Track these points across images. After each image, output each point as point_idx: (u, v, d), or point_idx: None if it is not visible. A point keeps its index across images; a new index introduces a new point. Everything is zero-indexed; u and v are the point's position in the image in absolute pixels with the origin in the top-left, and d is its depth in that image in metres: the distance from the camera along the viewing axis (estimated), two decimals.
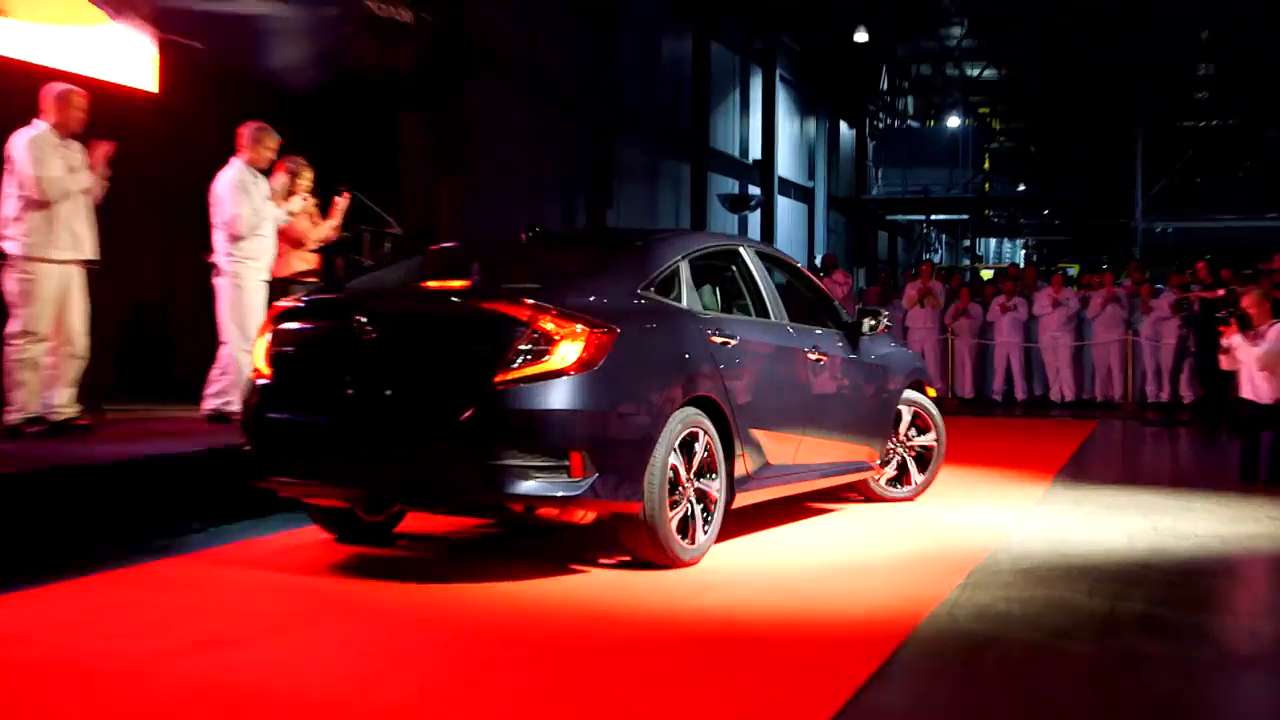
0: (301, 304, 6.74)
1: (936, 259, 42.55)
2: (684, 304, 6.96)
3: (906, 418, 9.07)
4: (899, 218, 41.78)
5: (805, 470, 7.84)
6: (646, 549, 6.43)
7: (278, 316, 6.69)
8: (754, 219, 28.42)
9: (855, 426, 8.37)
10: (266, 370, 6.58)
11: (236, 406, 9.12)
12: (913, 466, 9.13)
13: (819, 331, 8.23)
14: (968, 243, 44.83)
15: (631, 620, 5.48)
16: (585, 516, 6.25)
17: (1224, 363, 11.16)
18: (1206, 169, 39.85)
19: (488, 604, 5.79)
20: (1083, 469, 11.48)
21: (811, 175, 33.91)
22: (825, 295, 8.69)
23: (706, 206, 26.11)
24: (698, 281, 7.54)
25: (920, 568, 6.71)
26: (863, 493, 9.09)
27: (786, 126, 31.78)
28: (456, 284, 6.74)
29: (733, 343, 7.03)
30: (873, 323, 8.51)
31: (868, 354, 8.60)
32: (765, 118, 29.71)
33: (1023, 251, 52.94)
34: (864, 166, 38.53)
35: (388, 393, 6.14)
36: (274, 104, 11.10)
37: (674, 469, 6.43)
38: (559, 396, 5.94)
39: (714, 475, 6.77)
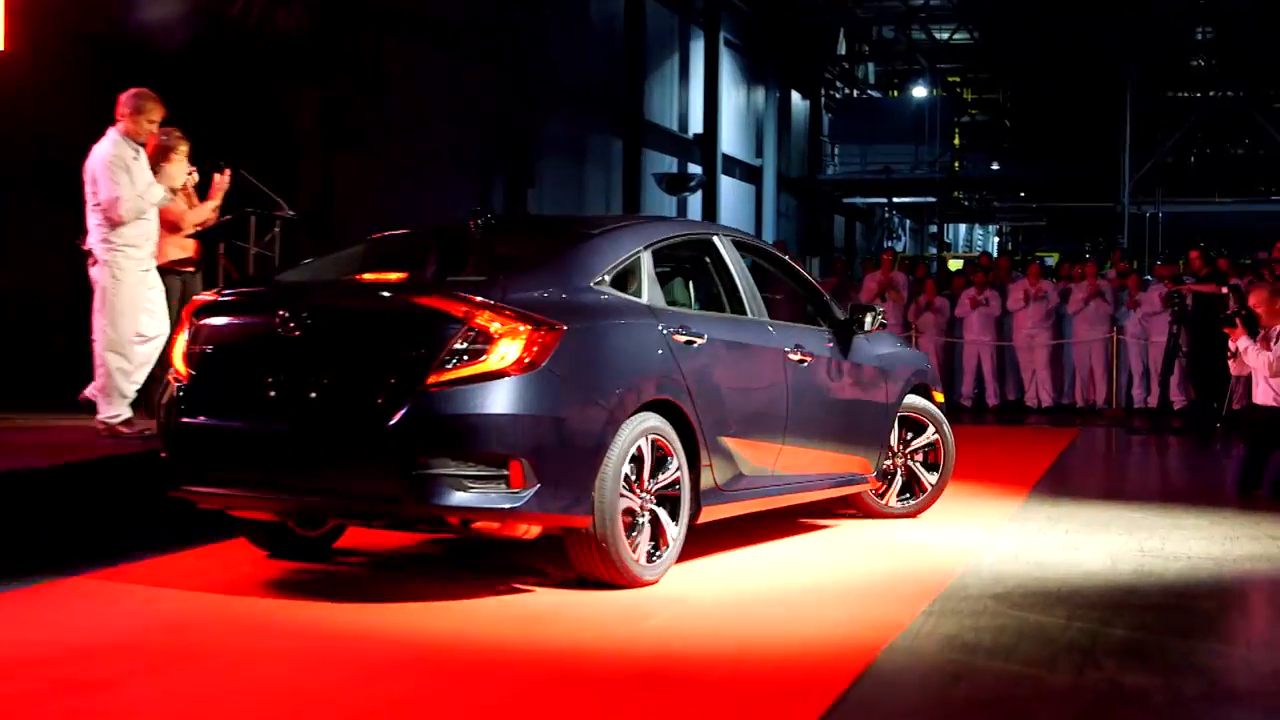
0: (222, 298, 6.83)
1: (899, 247, 42.86)
2: (644, 299, 7.03)
3: (908, 426, 9.18)
4: (857, 200, 42.05)
5: (786, 482, 7.92)
6: (597, 567, 6.51)
7: (197, 312, 6.78)
8: (694, 201, 28.50)
9: (845, 435, 8.44)
10: (184, 370, 6.70)
11: (118, 416, 9.11)
12: (915, 479, 9.23)
13: (803, 329, 8.31)
14: (934, 229, 45.19)
15: (556, 653, 5.49)
16: (528, 531, 6.34)
17: (1234, 368, 11.32)
18: (1202, 146, 40.36)
19: (406, 631, 5.81)
20: (1061, 482, 11.59)
21: (759, 152, 34.07)
22: (816, 290, 8.76)
23: (641, 187, 26.17)
24: (666, 275, 7.63)
25: (880, 593, 6.77)
26: (858, 507, 9.19)
27: (731, 97, 31.90)
28: (393, 276, 6.82)
29: (699, 342, 7.11)
30: (867, 320, 8.57)
31: (863, 354, 8.67)
32: (707, 87, 29.81)
33: (996, 239, 53.45)
34: (818, 143, 38.76)
35: (313, 395, 6.26)
36: (142, 67, 11.00)
37: (628, 480, 6.52)
38: (497, 400, 6.04)
39: (676, 487, 6.84)
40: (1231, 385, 16.59)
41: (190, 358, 6.70)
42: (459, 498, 6.02)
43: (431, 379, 6.04)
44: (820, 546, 8.14)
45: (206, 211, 10.25)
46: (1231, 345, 11.09)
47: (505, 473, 6.05)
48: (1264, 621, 6.84)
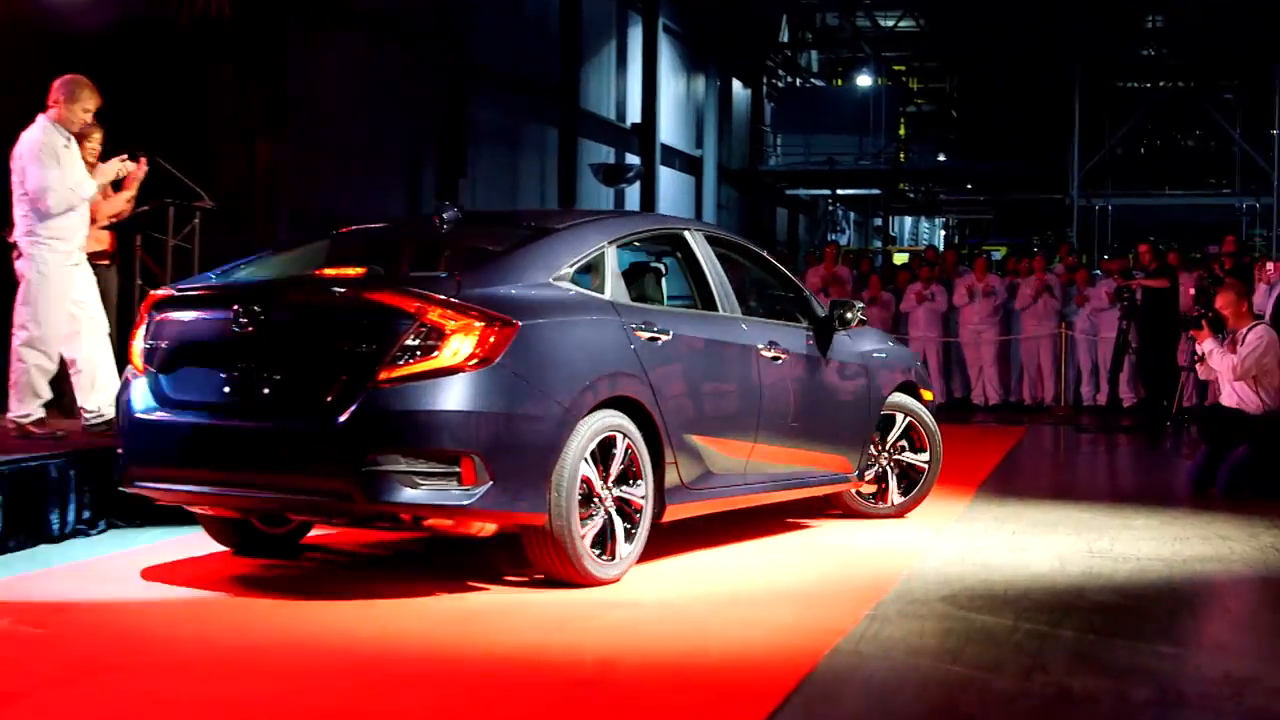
0: (179, 292, 7.04)
1: (843, 240, 43.02)
2: (606, 295, 7.17)
3: (895, 425, 9.25)
4: (800, 192, 42.15)
5: (760, 481, 8.04)
6: (555, 565, 6.65)
7: (154, 306, 7.01)
8: (632, 193, 28.47)
9: (824, 433, 8.54)
10: (140, 364, 6.94)
11: (29, 415, 9.06)
12: (900, 479, 9.33)
13: (779, 326, 8.42)
14: (879, 222, 45.38)
15: (490, 658, 5.46)
16: (483, 529, 6.52)
17: (1202, 372, 11.43)
18: (1152, 138, 40.75)
19: (342, 634, 5.83)
20: (1009, 482, 11.68)
21: (699, 143, 34.08)
22: (796, 286, 8.87)
23: (577, 177, 26.13)
24: (634, 271, 7.81)
25: (824, 596, 6.79)
26: (842, 507, 9.27)
27: (670, 85, 31.90)
28: (351, 272, 6.92)
29: (664, 339, 7.25)
30: (848, 315, 8.69)
31: (844, 351, 8.78)
32: (645, 75, 29.79)
33: (942, 232, 53.75)
34: (760, 133, 38.82)
35: (266, 391, 6.48)
36: (55, 51, 10.88)
37: (586, 478, 6.67)
38: (448, 396, 6.21)
39: (639, 484, 6.98)
40: (1181, 381, 16.77)
41: (146, 352, 6.92)
42: (410, 495, 6.19)
43: (383, 375, 6.21)
44: (771, 548, 8.18)
45: (121, 203, 10.13)
46: (1198, 348, 11.19)
47: (457, 470, 6.22)
48: (1215, 624, 6.90)
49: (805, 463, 8.42)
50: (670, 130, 31.60)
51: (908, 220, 52.37)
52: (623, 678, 5.29)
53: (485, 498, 6.26)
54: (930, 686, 5.24)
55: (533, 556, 6.69)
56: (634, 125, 29.65)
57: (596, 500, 6.75)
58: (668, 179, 31.15)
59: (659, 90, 29.86)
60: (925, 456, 9.34)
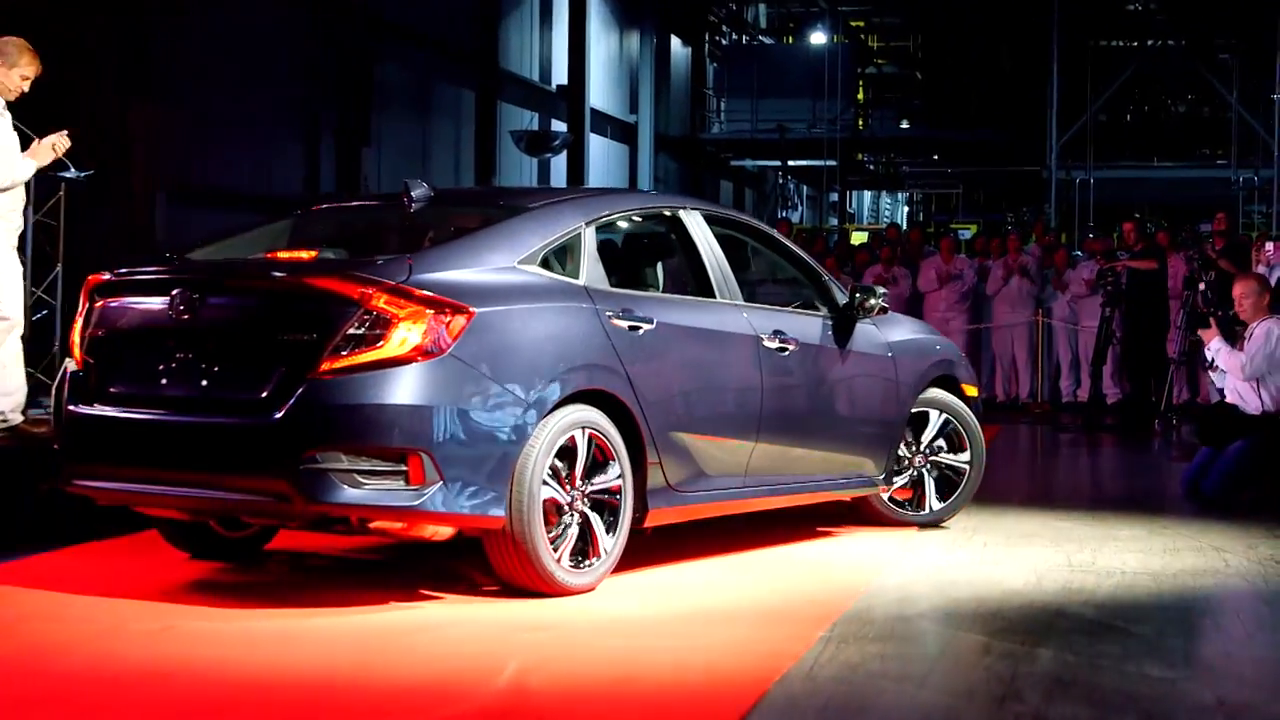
0: (119, 277, 7.17)
1: (795, 217, 43.20)
2: (581, 280, 7.29)
3: (929, 423, 9.29)
4: (747, 163, 42.27)
5: (764, 484, 8.15)
6: (517, 571, 6.79)
7: (93, 292, 7.18)
8: (558, 163, 28.45)
9: (841, 433, 8.64)
10: (78, 355, 7.12)
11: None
12: (938, 483, 9.35)
13: (787, 314, 8.50)
14: (835, 197, 45.56)
15: (392, 682, 5.45)
16: (437, 533, 6.69)
17: (1218, 380, 11.46)
18: (1139, 103, 40.99)
19: (247, 657, 5.84)
20: (980, 488, 11.70)
21: (634, 108, 34.11)
22: (813, 270, 8.93)
23: (497, 146, 26.08)
24: (622, 254, 8.03)
25: (774, 617, 6.80)
26: (868, 513, 9.31)
27: (601, 43, 31.90)
28: (303, 255, 7.09)
29: (645, 328, 7.36)
30: (868, 302, 8.74)
31: (868, 342, 8.84)
32: (573, 31, 29.77)
33: (905, 209, 53.99)
34: (702, 96, 38.87)
35: (204, 384, 6.67)
36: None
37: (558, 477, 6.85)
38: (394, 389, 6.37)
39: (616, 485, 7.13)
40: (1171, 375, 16.88)
41: (84, 342, 7.11)
42: (352, 495, 6.34)
43: (324, 366, 6.37)
44: (748, 561, 8.19)
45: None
46: (1207, 350, 11.25)
47: (403, 468, 6.37)
48: (1208, 646, 6.93)
49: (820, 465, 8.52)
50: (601, 94, 31.59)
51: (867, 195, 52.66)
52: (537, 707, 5.28)
53: (435, 498, 6.38)
54: (893, 715, 5.24)
55: (494, 563, 6.81)
56: (560, 88, 29.63)
57: (566, 504, 6.88)
58: (598, 148, 31.14)
59: (588, 49, 29.82)
60: (965, 457, 9.36)
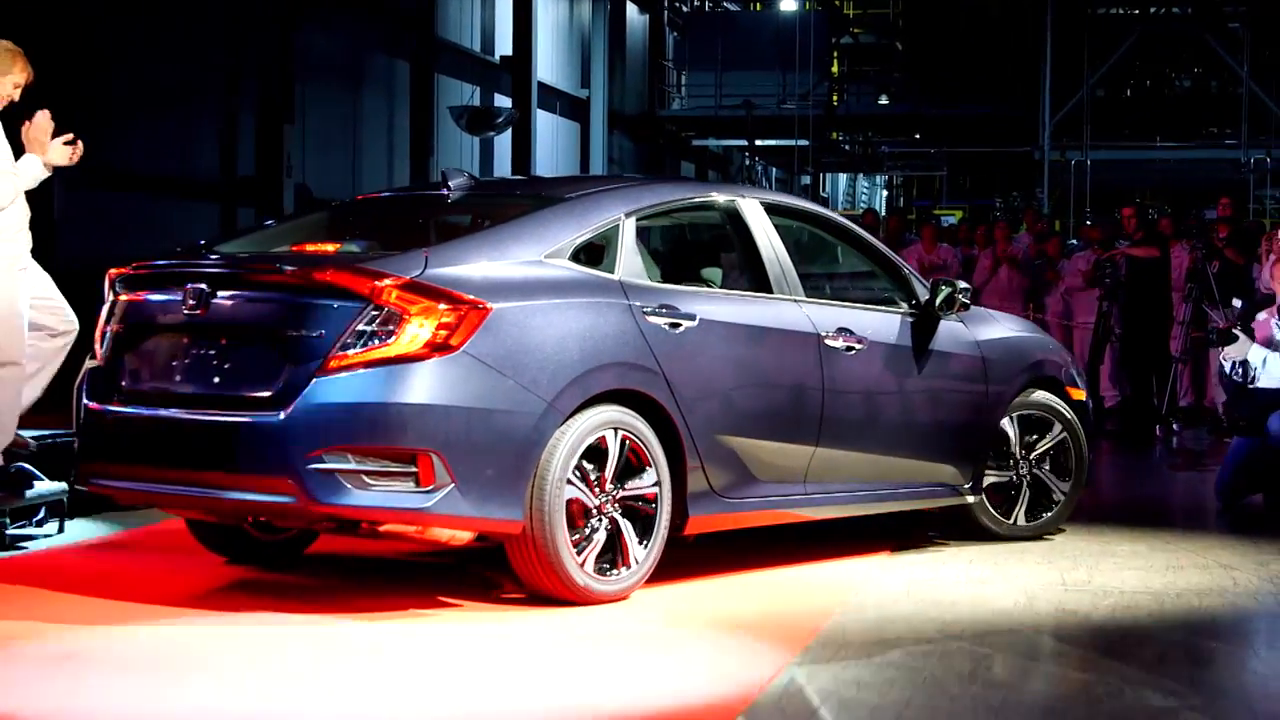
0: (137, 272, 7.51)
1: None
2: (616, 274, 7.54)
3: (1024, 427, 9.34)
4: (710, 143, 42.31)
5: (827, 492, 8.36)
6: (539, 578, 7.07)
7: (114, 284, 7.53)
8: (503, 142, 28.40)
9: (918, 438, 8.79)
10: (99, 351, 7.50)
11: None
12: (1042, 493, 9.40)
13: (857, 311, 8.66)
14: (807, 180, 45.62)
15: (360, 692, 5.50)
16: (453, 537, 7.14)
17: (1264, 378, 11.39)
18: (1140, 77, 41.09)
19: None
20: None
21: (585, 81, 34.11)
22: (891, 263, 9.08)
23: (434, 122, 26.05)
24: (671, 247, 8.31)
25: (741, 640, 6.82)
26: (964, 525, 9.35)
27: (549, 10, 31.91)
28: (327, 248, 7.43)
29: (687, 325, 7.60)
30: (952, 296, 8.84)
31: (952, 340, 8.95)
32: None
33: (884, 193, 54.14)
34: (661, 69, 38.88)
35: (215, 381, 7.05)
36: None
37: (586, 480, 7.11)
38: (403, 387, 6.66)
39: (652, 491, 7.36)
40: (1174, 376, 16.93)
41: (104, 337, 7.50)
42: (360, 497, 6.65)
43: (332, 363, 6.68)
44: (740, 579, 8.20)
45: None
46: (1222, 359, 11.14)
47: (413, 469, 6.67)
48: (1214, 672, 6.96)
49: (892, 472, 8.67)
50: (549, 66, 31.59)
51: (842, 178, 52.72)
52: None
53: (446, 501, 6.68)
54: None
55: (516, 568, 7.09)
56: (504, 59, 29.59)
57: (594, 506, 7.13)
58: (547, 125, 31.15)
59: (535, 16, 29.79)
60: (1058, 440, 9.41)
